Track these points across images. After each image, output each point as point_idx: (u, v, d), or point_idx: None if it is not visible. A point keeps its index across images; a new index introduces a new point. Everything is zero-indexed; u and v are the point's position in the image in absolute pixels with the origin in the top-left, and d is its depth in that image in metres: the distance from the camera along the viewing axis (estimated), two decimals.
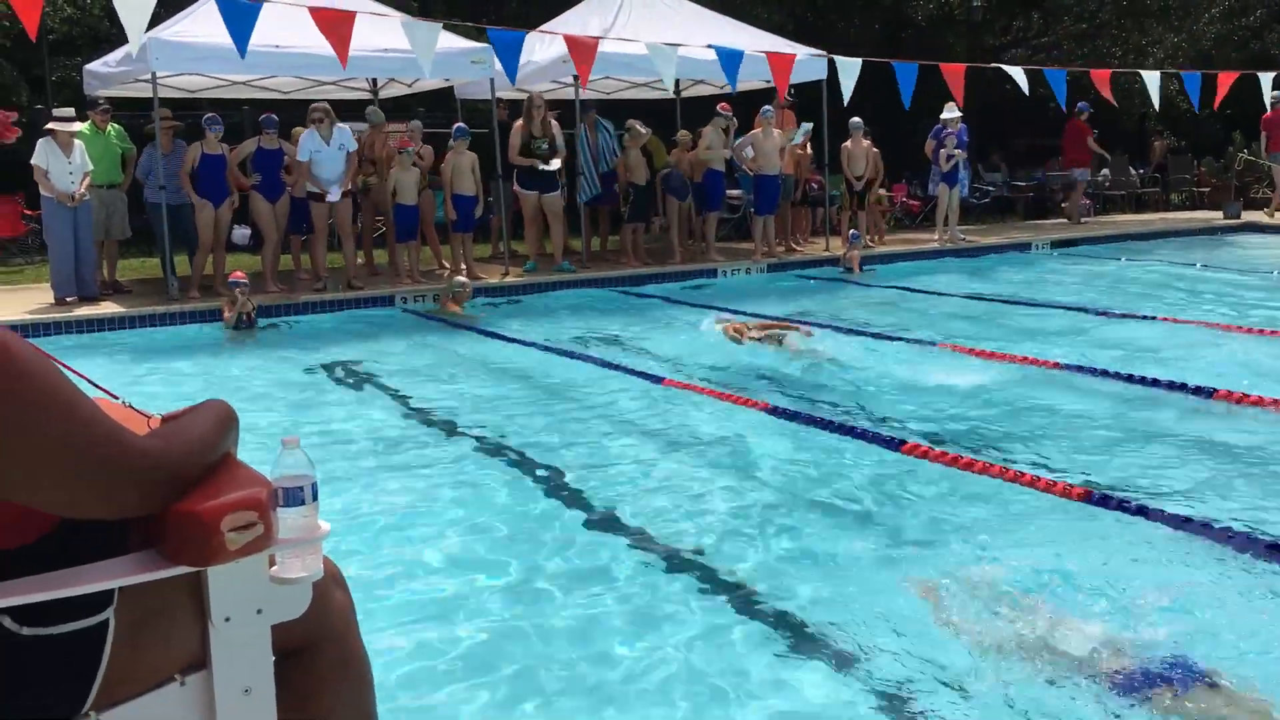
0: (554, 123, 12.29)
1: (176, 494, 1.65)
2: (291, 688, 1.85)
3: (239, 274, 9.71)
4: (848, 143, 14.23)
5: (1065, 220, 17.70)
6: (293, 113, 14.72)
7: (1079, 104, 16.40)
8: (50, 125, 10.19)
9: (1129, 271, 12.60)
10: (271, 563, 1.76)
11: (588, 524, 4.39)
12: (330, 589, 1.88)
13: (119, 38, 9.86)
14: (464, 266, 11.78)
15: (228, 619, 1.73)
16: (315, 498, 1.78)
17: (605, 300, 11.18)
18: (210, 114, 10.84)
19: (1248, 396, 5.94)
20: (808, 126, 14.23)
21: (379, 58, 10.95)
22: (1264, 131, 16.75)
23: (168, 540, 1.67)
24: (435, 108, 17.39)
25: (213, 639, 1.73)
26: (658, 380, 6.98)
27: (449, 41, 11.26)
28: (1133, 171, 20.91)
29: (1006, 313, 9.74)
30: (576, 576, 3.85)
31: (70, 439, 1.50)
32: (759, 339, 8.02)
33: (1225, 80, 13.46)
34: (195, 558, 1.67)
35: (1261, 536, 3.94)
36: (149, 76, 10.46)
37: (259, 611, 1.75)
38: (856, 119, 14.06)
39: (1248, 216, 17.07)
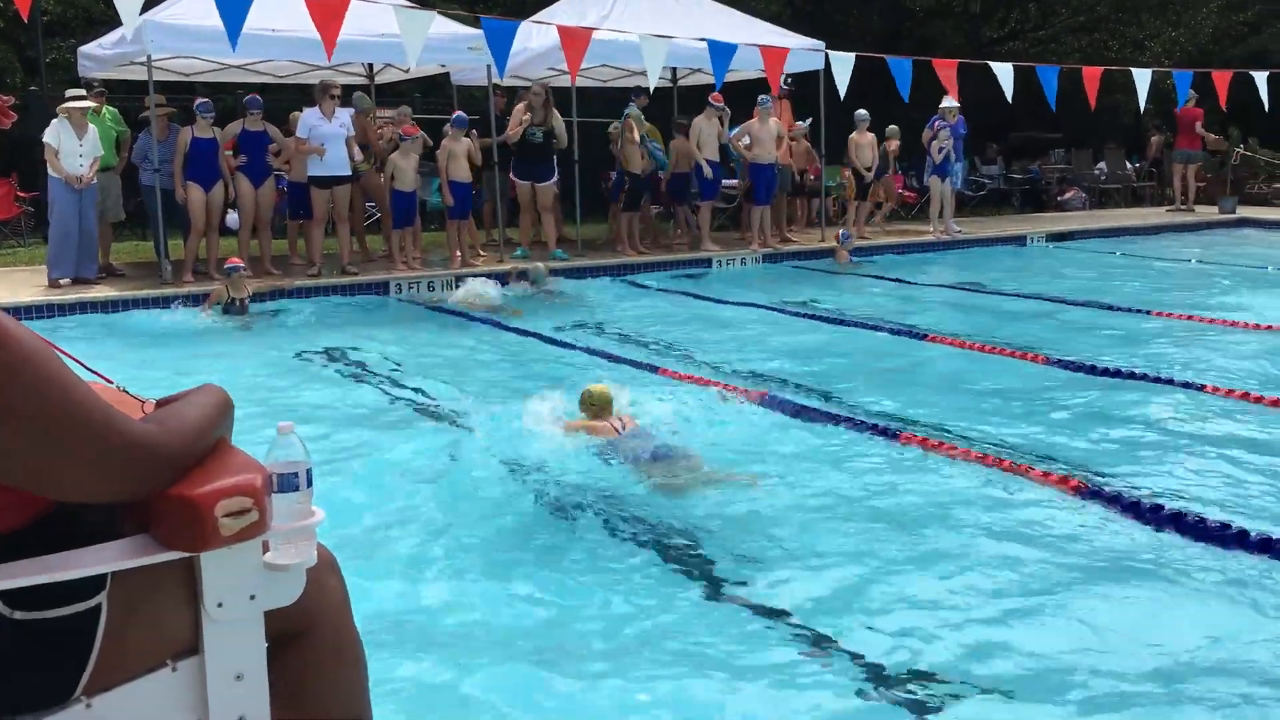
0: (556, 113, 12.26)
1: (171, 479, 1.64)
2: (285, 674, 1.85)
3: (237, 260, 9.68)
4: (855, 134, 14.23)
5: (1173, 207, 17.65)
6: (289, 97, 14.71)
7: (1189, 93, 16.27)
8: (64, 105, 10.18)
9: (1123, 265, 12.62)
10: (265, 549, 1.75)
11: (579, 506, 4.39)
12: (324, 575, 1.88)
13: (114, 20, 9.81)
14: (458, 254, 11.75)
15: (220, 605, 1.72)
16: (310, 484, 1.77)
17: (599, 288, 11.17)
18: (202, 99, 10.80)
19: (1235, 392, 5.96)
20: (804, 127, 14.23)
21: (375, 42, 10.90)
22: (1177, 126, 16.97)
23: (161, 525, 1.66)
24: (431, 93, 17.34)
25: (205, 625, 1.72)
26: (653, 369, 6.99)
27: (445, 27, 11.21)
28: (1129, 165, 20.91)
29: (997, 304, 9.75)
30: (554, 558, 3.86)
31: (65, 423, 1.49)
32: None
33: (1220, 79, 13.45)
34: (189, 543, 1.66)
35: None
36: (144, 59, 10.41)
37: (252, 597, 1.74)
38: (862, 111, 14.05)
39: (1243, 212, 17.10)
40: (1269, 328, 8.02)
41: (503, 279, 10.68)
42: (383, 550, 4.00)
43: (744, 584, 3.68)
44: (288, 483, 1.74)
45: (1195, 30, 22.88)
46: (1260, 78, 13.70)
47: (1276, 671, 3.01)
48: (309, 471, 1.76)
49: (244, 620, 1.75)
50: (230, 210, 11.45)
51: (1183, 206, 17.43)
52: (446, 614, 3.48)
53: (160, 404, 1.83)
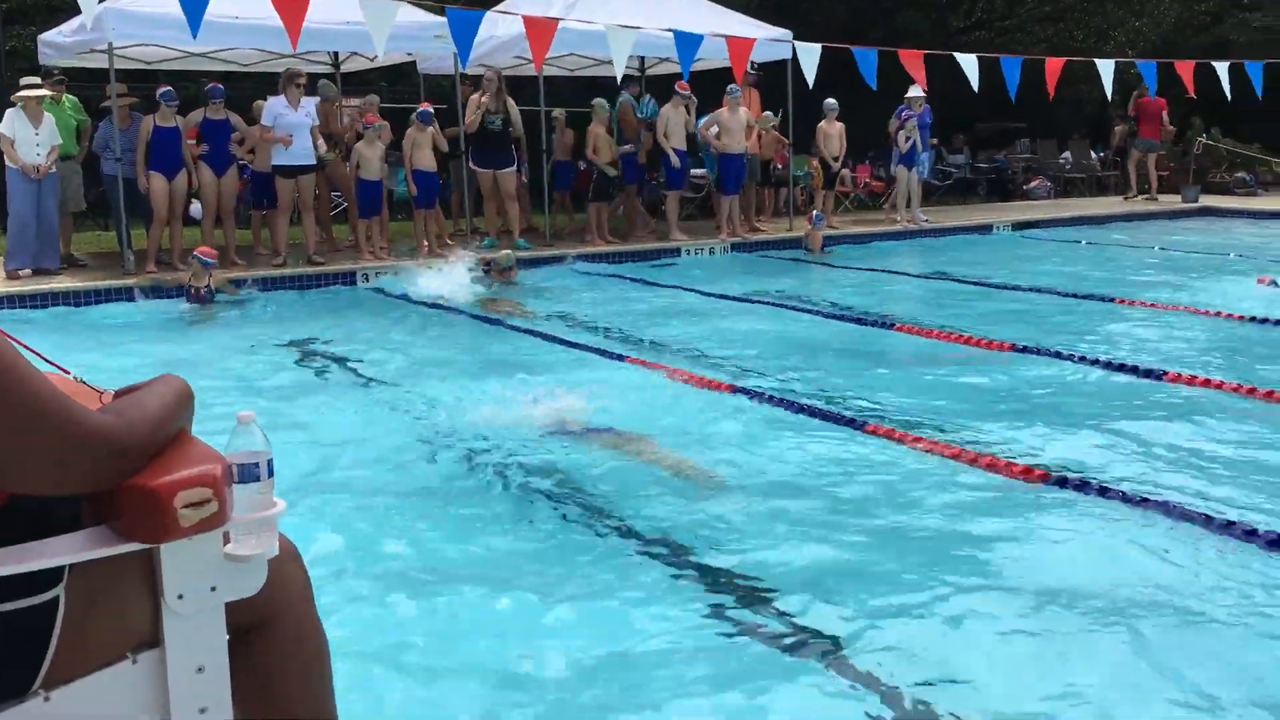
0: (510, 100, 12.23)
1: (130, 470, 1.62)
2: (247, 665, 1.84)
3: (210, 252, 9.56)
4: (823, 123, 14.26)
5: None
6: (255, 85, 14.56)
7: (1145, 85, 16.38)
8: (18, 94, 10.04)
9: (1087, 253, 12.73)
10: (226, 540, 1.74)
11: (539, 491, 4.39)
12: (286, 566, 1.86)
13: (75, 7, 9.68)
14: (425, 243, 11.70)
15: (180, 596, 1.70)
16: (271, 474, 1.75)
17: (562, 276, 11.15)
18: (165, 88, 10.68)
19: (1196, 379, 6.04)
20: (774, 118, 14.27)
21: (340, 30, 10.81)
22: (1134, 114, 17.09)
23: (120, 516, 1.65)
24: (398, 81, 17.23)
25: (165, 617, 1.71)
26: (619, 358, 6.99)
27: (411, 15, 11.13)
28: (1093, 155, 21.09)
29: (965, 293, 9.82)
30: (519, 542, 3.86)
31: (21, 414, 1.47)
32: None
33: (1184, 69, 13.58)
34: (148, 534, 1.64)
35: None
36: (105, 47, 10.28)
37: (213, 589, 1.73)
38: (831, 100, 14.09)
39: (1205, 201, 17.29)
40: (1231, 315, 8.11)
41: (476, 268, 10.66)
42: (345, 537, 3.98)
43: (703, 565, 3.70)
44: (248, 473, 1.72)
45: (1158, 20, 23.08)
46: (1222, 68, 13.85)
47: (1244, 654, 3.06)
48: (270, 462, 1.75)
49: (205, 612, 1.73)
50: (193, 200, 11.33)
51: (1146, 196, 17.60)
52: (400, 599, 3.49)
53: (119, 394, 1.81)
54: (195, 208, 11.45)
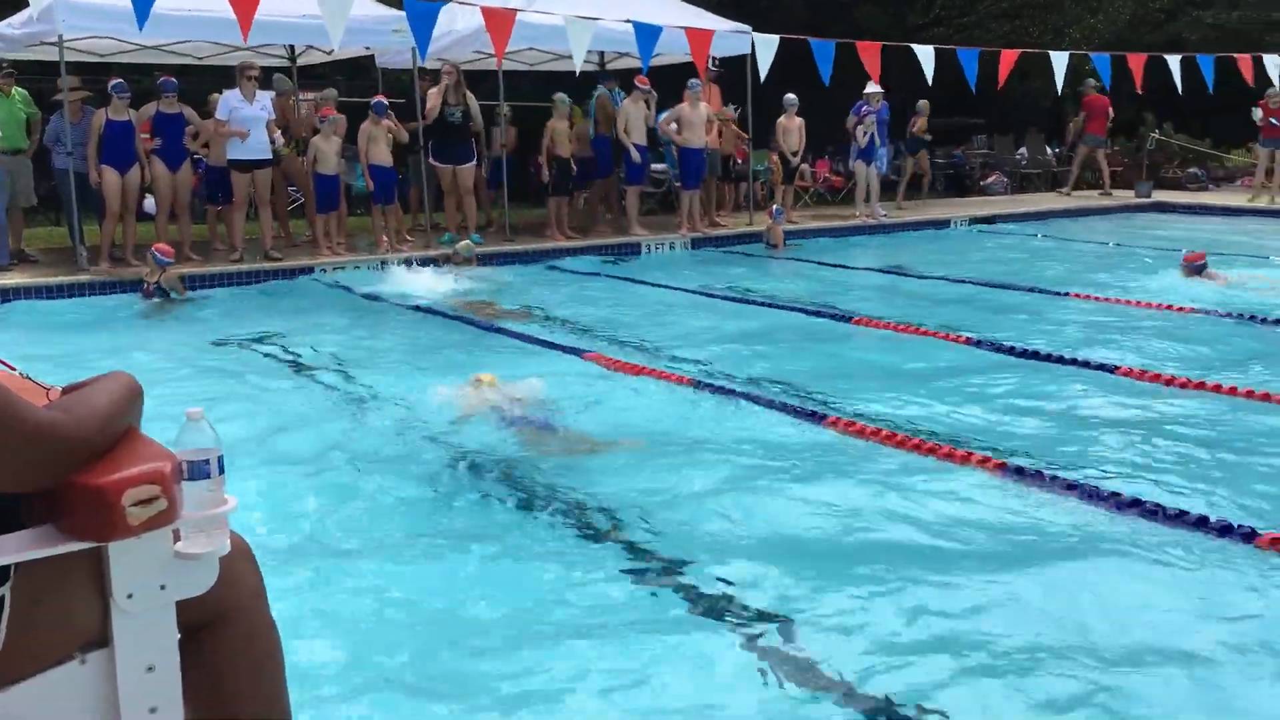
0: (469, 93, 12.17)
1: (77, 467, 1.61)
2: (199, 664, 1.82)
3: (167, 250, 9.43)
4: (783, 118, 14.30)
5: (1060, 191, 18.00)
6: (211, 78, 14.38)
7: (1089, 81, 16.59)
8: None
9: (1044, 247, 12.87)
10: (176, 538, 1.72)
11: (497, 495, 4.38)
12: (237, 564, 1.85)
13: None
14: (385, 238, 11.62)
15: (130, 595, 1.69)
16: (221, 471, 1.74)
17: (526, 273, 11.12)
18: (117, 81, 10.52)
19: (1148, 373, 6.12)
20: (733, 115, 14.31)
21: (296, 23, 10.71)
22: (1083, 112, 17.35)
23: (67, 515, 1.63)
24: (356, 76, 17.09)
25: (114, 616, 1.69)
26: (578, 353, 6.98)
27: (368, 9, 11.05)
28: (1049, 150, 21.31)
29: (924, 287, 9.89)
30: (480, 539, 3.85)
31: None
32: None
33: (1136, 63, 13.75)
34: (96, 533, 1.62)
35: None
36: (55, 39, 10.11)
37: (162, 588, 1.71)
38: (791, 95, 14.13)
39: (1158, 196, 17.52)
40: (1184, 309, 8.23)
41: (436, 263, 10.62)
42: (299, 534, 3.96)
43: (656, 556, 3.71)
44: (198, 470, 1.71)
45: (1113, 16, 23.35)
46: (1174, 61, 14.04)
47: (1204, 642, 3.11)
48: (220, 458, 1.74)
49: (155, 611, 1.72)
50: (147, 195, 11.19)
51: (1101, 192, 17.80)
52: (344, 589, 3.51)
53: (66, 391, 1.79)
54: (149, 203, 11.30)
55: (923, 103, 15.58)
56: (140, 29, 8.87)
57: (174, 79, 10.86)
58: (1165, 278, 9.63)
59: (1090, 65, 14.87)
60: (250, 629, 1.90)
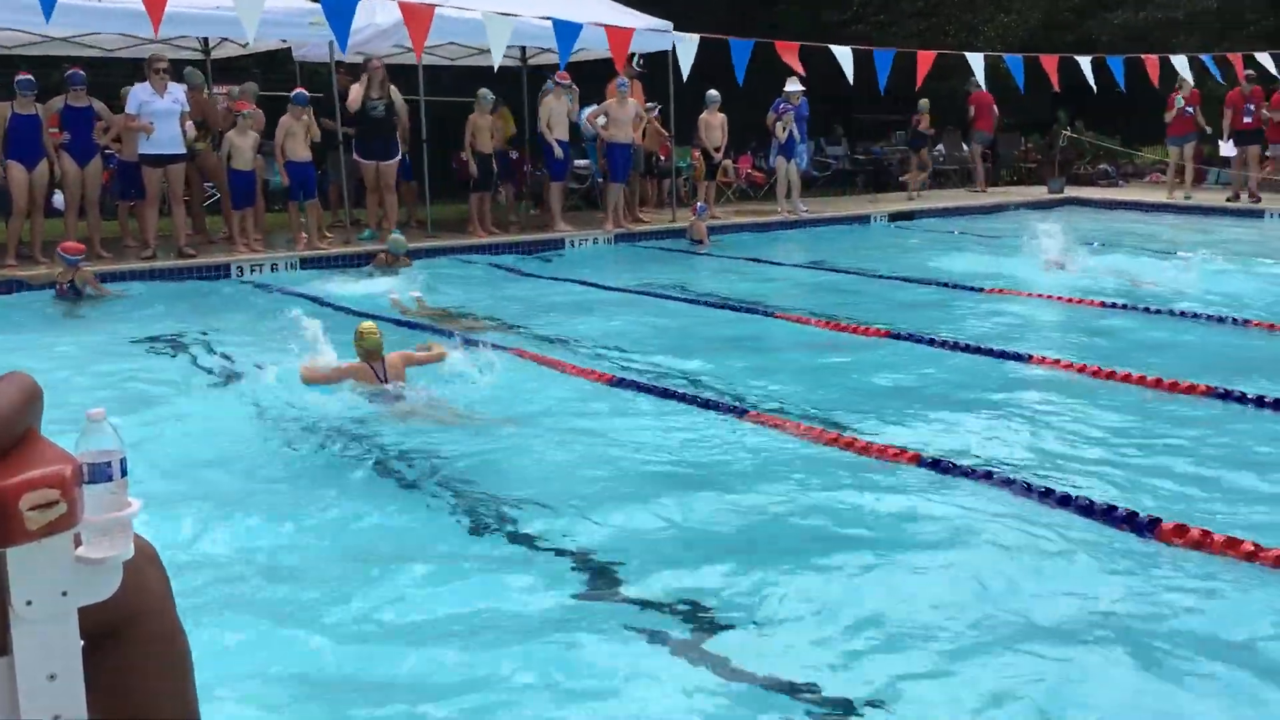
0: (393, 87, 12.04)
1: None
2: (105, 671, 1.77)
3: (74, 248, 9.17)
4: (705, 114, 14.36)
5: (904, 193, 18.31)
6: (123, 72, 14.03)
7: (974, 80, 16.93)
8: None
9: (959, 242, 13.10)
10: (78, 543, 1.68)
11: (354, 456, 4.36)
12: (143, 567, 1.79)
13: None
14: (304, 235, 11.45)
15: (29, 603, 1.63)
16: (125, 474, 1.69)
17: (443, 267, 11.04)
18: (23, 74, 10.22)
19: (1057, 361, 6.27)
20: (656, 115, 14.34)
21: (209, 15, 10.52)
22: (970, 107, 17.84)
23: None
24: (272, 70, 16.80)
25: (13, 624, 1.64)
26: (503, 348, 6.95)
27: (284, 1, 10.86)
28: (964, 147, 21.69)
29: (843, 282, 10.02)
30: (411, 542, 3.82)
31: None
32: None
33: (1049, 63, 14.06)
34: None
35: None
36: None
37: (64, 594, 1.66)
38: (713, 91, 14.18)
39: (1070, 191, 17.94)
40: (1094, 303, 8.44)
41: (366, 261, 10.50)
42: (211, 538, 3.90)
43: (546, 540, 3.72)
44: (100, 473, 1.65)
45: (1025, 16, 23.85)
46: (1085, 61, 14.38)
47: (1100, 625, 3.20)
48: (123, 460, 1.69)
49: (56, 618, 1.66)
50: (56, 190, 10.89)
51: (976, 189, 18.37)
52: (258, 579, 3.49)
53: None
54: (58, 198, 10.99)
55: (924, 102, 15.85)
56: (47, 20, 8.63)
57: (82, 71, 10.57)
58: (1076, 270, 9.86)
59: (1004, 65, 15.17)
60: (160, 632, 1.85)
